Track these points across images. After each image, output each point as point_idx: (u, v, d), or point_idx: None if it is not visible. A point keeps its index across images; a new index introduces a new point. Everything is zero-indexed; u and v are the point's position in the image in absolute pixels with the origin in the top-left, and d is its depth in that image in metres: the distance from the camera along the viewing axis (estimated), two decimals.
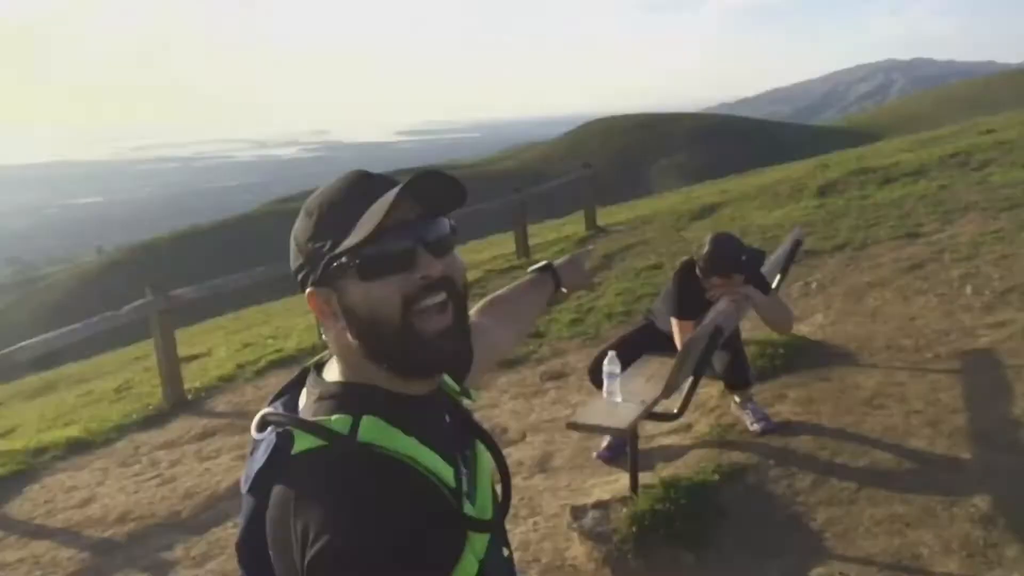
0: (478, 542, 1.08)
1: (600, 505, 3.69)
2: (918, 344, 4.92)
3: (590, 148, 69.58)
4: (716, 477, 3.68)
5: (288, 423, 1.07)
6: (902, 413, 4.09)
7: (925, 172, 9.87)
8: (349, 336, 1.08)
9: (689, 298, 4.00)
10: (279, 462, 1.05)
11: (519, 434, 5.08)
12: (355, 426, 1.04)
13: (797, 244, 4.76)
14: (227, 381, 7.90)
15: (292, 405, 1.15)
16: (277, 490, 1.04)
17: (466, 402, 1.30)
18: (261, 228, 59.98)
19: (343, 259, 1.05)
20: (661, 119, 74.98)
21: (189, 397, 7.47)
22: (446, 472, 1.07)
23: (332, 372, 1.15)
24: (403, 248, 1.06)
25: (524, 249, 11.59)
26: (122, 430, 6.89)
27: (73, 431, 6.98)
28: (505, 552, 1.23)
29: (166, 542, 4.67)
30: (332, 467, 1.01)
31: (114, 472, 6.01)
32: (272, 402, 1.18)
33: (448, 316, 1.08)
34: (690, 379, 3.57)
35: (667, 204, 15.09)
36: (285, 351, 8.58)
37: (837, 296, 6.11)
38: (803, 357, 4.96)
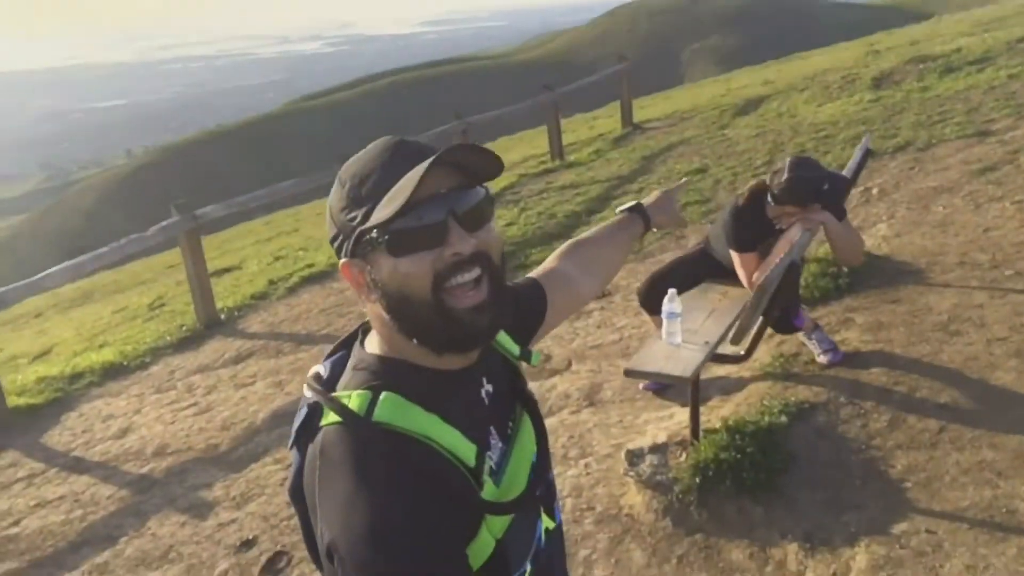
0: (496, 522, 1.06)
1: (657, 449, 3.45)
2: (995, 259, 4.52)
3: (618, 34, 67.57)
4: (784, 419, 3.40)
5: (316, 396, 1.09)
6: (983, 341, 3.76)
7: (991, 60, 9.12)
8: (382, 309, 1.07)
9: (753, 227, 3.60)
10: (312, 428, 1.09)
11: (564, 361, 4.83)
12: (373, 404, 1.04)
13: (867, 154, 4.32)
14: (259, 299, 7.77)
15: (341, 365, 1.16)
16: (310, 454, 1.07)
17: (525, 366, 1.27)
18: (286, 126, 59.51)
19: (373, 233, 1.02)
20: (691, 0, 71.85)
21: (222, 317, 7.35)
22: (467, 451, 1.06)
23: (372, 341, 1.14)
24: (433, 223, 1.02)
25: (558, 150, 11.13)
26: (156, 353, 6.81)
27: (108, 355, 6.91)
28: (548, 525, 1.21)
29: (205, 480, 4.56)
30: (347, 446, 1.02)
31: (150, 399, 5.93)
32: (327, 357, 1.20)
33: (482, 291, 1.05)
34: (760, 319, 3.25)
35: (706, 96, 14.38)
36: (317, 265, 8.40)
37: (901, 203, 5.67)
38: (868, 275, 4.60)
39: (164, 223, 6.98)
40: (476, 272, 1.05)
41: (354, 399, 1.05)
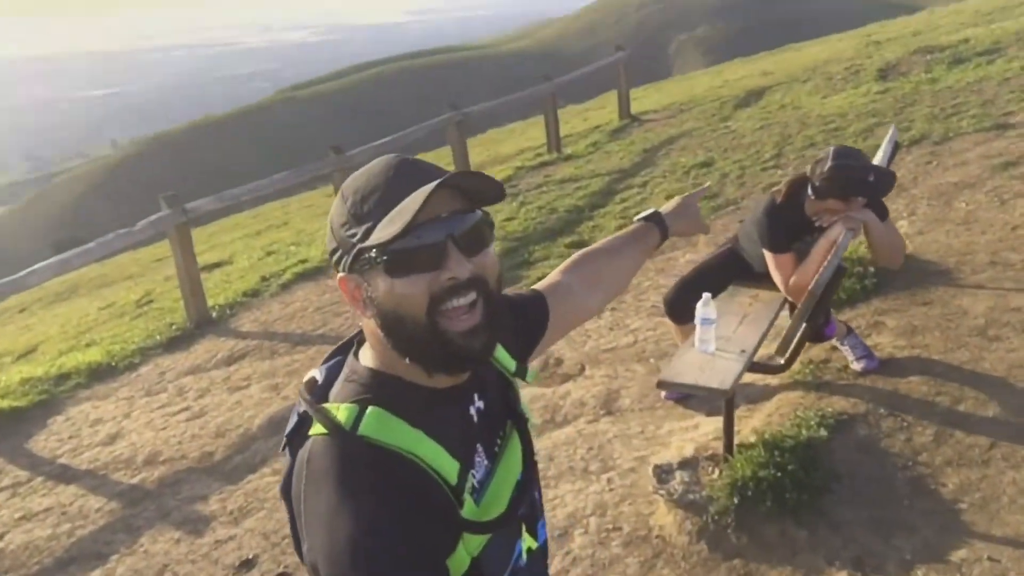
0: (473, 540, 1.06)
1: (687, 464, 3.23)
2: None
3: (606, 24, 67.21)
4: (823, 432, 3.18)
5: (305, 406, 1.11)
6: None
7: (1001, 50, 8.90)
8: (377, 326, 1.08)
9: (790, 226, 3.35)
10: (302, 435, 1.10)
11: (576, 366, 4.60)
12: (359, 417, 1.05)
13: (896, 147, 4.09)
14: (252, 296, 7.50)
15: (337, 371, 1.17)
16: (298, 461, 1.08)
17: (520, 383, 1.28)
18: (274, 116, 58.83)
19: (372, 253, 1.03)
20: None
21: (213, 315, 7.08)
22: (449, 468, 1.06)
23: (366, 353, 1.15)
24: (432, 247, 1.02)
25: (556, 143, 10.88)
26: (146, 353, 6.54)
27: (95, 355, 6.63)
28: (530, 545, 1.21)
29: (200, 491, 4.31)
30: (331, 458, 1.03)
31: (140, 402, 5.67)
32: (325, 362, 1.20)
33: (476, 315, 1.06)
34: (803, 326, 3.02)
35: (703, 87, 14.15)
36: (310, 261, 8.13)
37: (921, 199, 5.46)
38: (895, 275, 4.37)
39: (153, 217, 6.70)
40: (472, 296, 1.05)
41: (342, 411, 1.06)
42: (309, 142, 43.09)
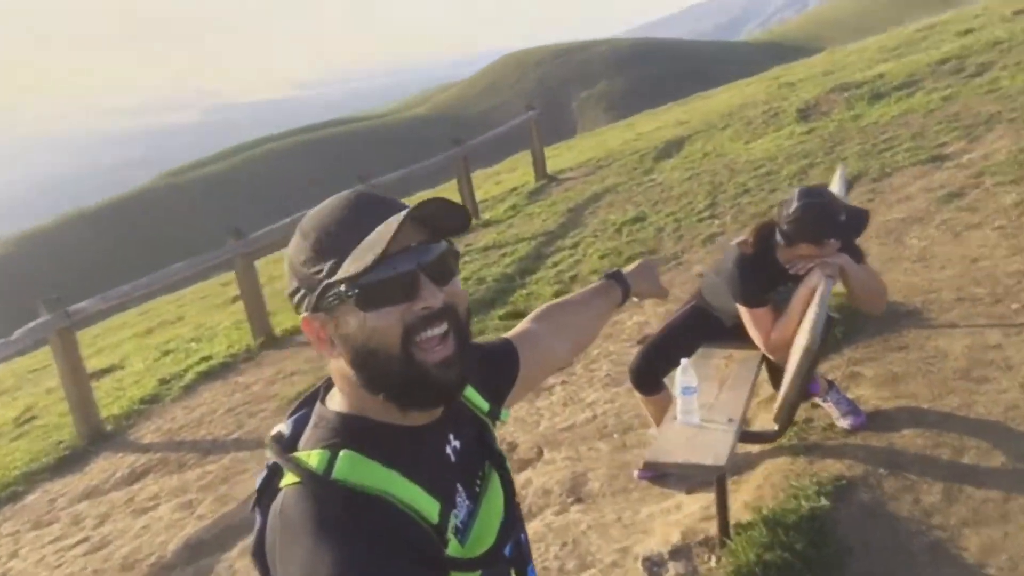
0: None
1: (679, 553, 3.03)
2: (995, 292, 4.35)
3: (505, 84, 68.72)
4: (824, 501, 3.03)
5: (275, 457, 1.11)
6: (1017, 386, 3.50)
7: (918, 83, 9.30)
8: (346, 365, 1.10)
9: (763, 277, 3.24)
10: (272, 489, 1.10)
11: (533, 450, 4.37)
12: (332, 463, 1.06)
13: (849, 187, 4.09)
14: (151, 403, 7.08)
15: (304, 423, 1.17)
16: (271, 515, 1.08)
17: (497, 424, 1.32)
18: (155, 204, 57.50)
19: (341, 287, 1.05)
20: (575, 47, 73.84)
21: (108, 428, 6.63)
22: (429, 507, 1.07)
23: (333, 398, 1.17)
24: (404, 277, 1.05)
25: (472, 208, 10.80)
26: (31, 479, 6.06)
27: None
28: None
29: None
30: (306, 506, 1.03)
31: (27, 537, 5.20)
32: (290, 415, 1.21)
33: (450, 345, 1.08)
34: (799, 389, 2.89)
35: (617, 142, 14.39)
36: (215, 358, 7.75)
37: (871, 238, 5.49)
38: (863, 320, 4.34)
39: (32, 324, 6.25)
40: (444, 326, 1.07)
41: (313, 458, 1.06)
42: (197, 229, 42.23)
